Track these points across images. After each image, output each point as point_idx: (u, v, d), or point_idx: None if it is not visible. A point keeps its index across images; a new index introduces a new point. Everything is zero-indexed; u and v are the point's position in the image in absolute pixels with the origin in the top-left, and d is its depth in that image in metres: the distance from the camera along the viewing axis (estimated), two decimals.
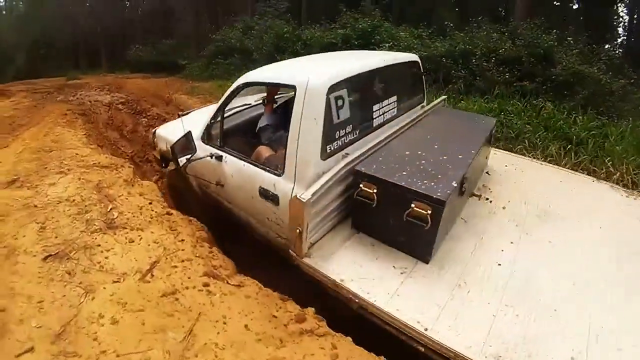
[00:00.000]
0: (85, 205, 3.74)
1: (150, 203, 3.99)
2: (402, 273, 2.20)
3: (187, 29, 23.03)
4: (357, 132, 2.80)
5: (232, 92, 3.10)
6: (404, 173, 2.31)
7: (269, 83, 3.31)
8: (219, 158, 3.13)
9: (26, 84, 21.47)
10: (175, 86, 13.19)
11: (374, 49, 10.14)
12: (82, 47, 27.63)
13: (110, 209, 3.74)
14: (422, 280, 2.15)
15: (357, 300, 2.06)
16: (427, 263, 2.26)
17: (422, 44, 10.65)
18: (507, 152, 4.38)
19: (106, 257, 2.99)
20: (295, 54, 12.54)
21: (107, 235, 3.31)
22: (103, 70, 23.73)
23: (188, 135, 3.12)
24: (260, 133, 3.37)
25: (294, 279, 2.55)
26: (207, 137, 3.33)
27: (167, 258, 3.07)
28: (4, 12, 37.27)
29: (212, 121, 3.26)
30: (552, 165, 3.99)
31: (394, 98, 3.27)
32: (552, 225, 2.68)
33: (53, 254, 2.97)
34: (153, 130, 5.04)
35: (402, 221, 2.19)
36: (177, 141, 3.09)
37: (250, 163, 2.88)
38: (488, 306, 1.97)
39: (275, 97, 3.82)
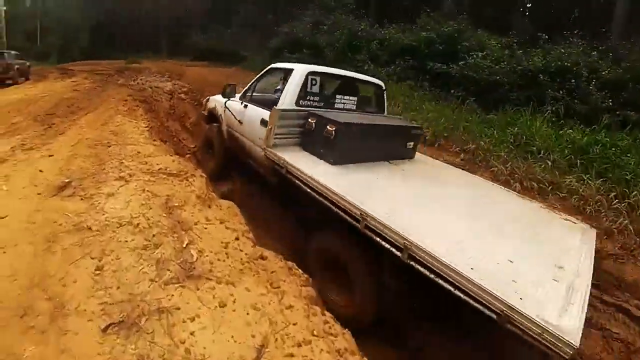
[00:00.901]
0: (154, 235, 2.74)
1: (236, 239, 2.97)
2: (315, 164, 3.64)
3: (249, 19, 22.42)
4: (322, 104, 4.48)
5: (263, 73, 5.01)
6: (331, 116, 3.85)
7: (282, 68, 4.83)
8: (245, 106, 4.78)
9: (89, 65, 21.79)
10: (238, 77, 12.41)
11: (460, 56, 9.29)
12: (144, 32, 27.89)
13: (187, 244, 2.72)
14: (331, 169, 3.58)
15: (286, 163, 3.58)
16: (334, 165, 3.66)
17: (512, 55, 9.23)
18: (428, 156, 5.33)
19: (192, 334, 2.00)
20: (371, 54, 11.39)
21: (188, 290, 2.30)
22: (163, 56, 23.70)
23: (233, 86, 5.23)
24: (271, 97, 4.92)
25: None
26: (242, 96, 5.00)
27: (276, 339, 2.10)
28: None
29: (247, 88, 4.99)
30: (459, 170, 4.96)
31: (355, 98, 4.91)
32: (420, 179, 4.12)
33: (116, 322, 1.98)
34: (207, 97, 6.36)
35: (322, 138, 3.77)
36: (227, 86, 5.21)
37: (259, 108, 4.49)
38: (356, 182, 3.42)
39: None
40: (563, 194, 4.96)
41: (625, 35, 9.62)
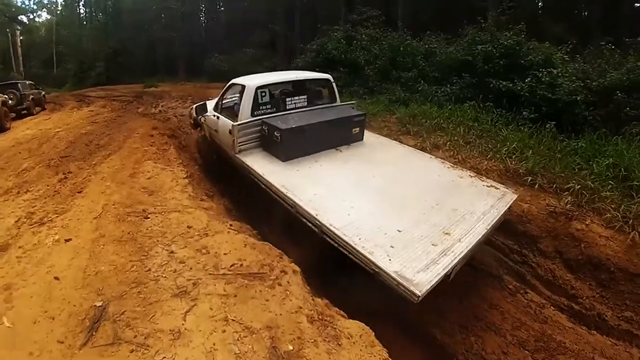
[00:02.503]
0: None
1: None
2: (270, 163, 4.48)
3: (267, 39, 21.44)
4: (274, 109, 5.23)
5: (227, 87, 5.78)
6: (279, 122, 4.68)
7: (238, 84, 5.49)
8: (217, 117, 5.56)
9: (105, 90, 20.89)
10: None
11: (525, 72, 7.99)
12: (159, 55, 27.15)
13: None
14: (278, 164, 4.45)
15: (251, 170, 4.42)
16: (283, 162, 4.49)
17: (582, 71, 7.88)
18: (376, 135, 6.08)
19: None
20: (420, 71, 10.08)
21: None
22: (180, 79, 22.77)
23: (204, 105, 6.09)
24: (235, 108, 5.39)
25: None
26: (214, 108, 5.82)
27: None
28: (85, 22, 38.74)
29: (217, 102, 5.86)
30: (403, 145, 5.71)
31: (305, 96, 5.55)
32: (357, 163, 4.66)
33: None
34: (191, 107, 7.73)
35: (273, 141, 4.62)
36: (198, 105, 6.15)
37: (228, 119, 5.20)
38: (297, 174, 4.20)
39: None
40: None
41: None
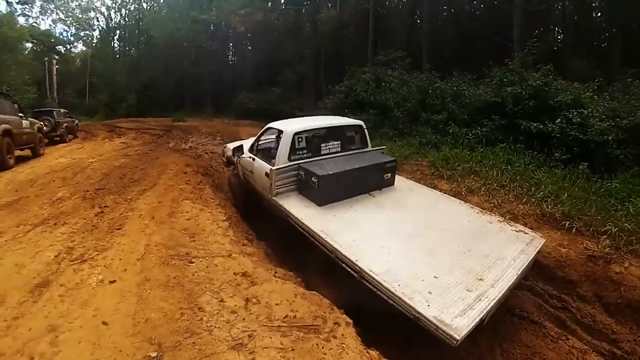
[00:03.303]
0: None
1: None
2: (307, 207, 4.61)
3: (296, 78, 22.10)
4: (310, 155, 5.35)
5: (263, 131, 6.00)
6: (315, 167, 4.84)
7: (275, 128, 5.67)
8: (253, 159, 5.71)
9: (135, 122, 21.57)
10: None
11: (555, 113, 8.03)
12: (187, 90, 28.19)
13: None
14: (315, 209, 4.59)
15: (288, 213, 4.54)
16: (320, 206, 4.61)
17: (611, 109, 7.71)
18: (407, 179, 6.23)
19: None
20: (450, 113, 10.07)
21: None
22: (208, 115, 23.42)
23: (240, 146, 6.12)
24: (272, 151, 5.60)
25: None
26: (249, 149, 5.98)
27: None
28: (118, 56, 40.96)
29: (253, 143, 6.02)
30: (432, 190, 5.85)
31: (338, 142, 5.72)
32: (390, 208, 4.79)
33: None
34: (224, 145, 8.31)
35: (310, 186, 4.76)
36: (235, 147, 6.15)
37: (264, 162, 5.40)
38: (333, 219, 4.32)
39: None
40: None
41: None
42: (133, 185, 6.61)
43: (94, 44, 43.20)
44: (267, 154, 5.63)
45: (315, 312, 2.80)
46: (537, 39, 10.79)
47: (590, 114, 7.45)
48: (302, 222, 4.21)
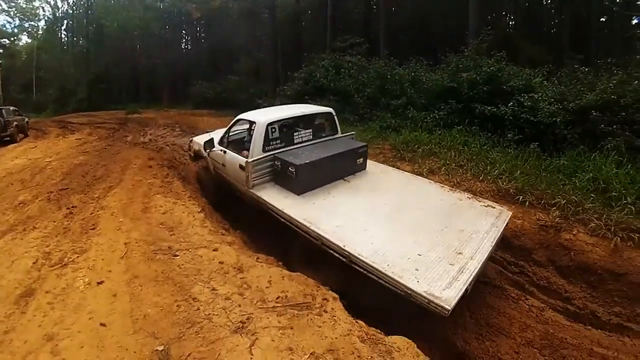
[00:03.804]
0: None
1: None
2: (286, 197, 4.63)
3: (254, 65, 21.68)
4: (284, 144, 5.35)
5: (234, 122, 5.84)
6: (291, 157, 4.84)
7: (247, 120, 5.69)
8: (224, 152, 5.61)
9: (87, 116, 20.35)
10: None
11: (508, 97, 8.42)
12: (141, 81, 26.84)
13: None
14: (294, 198, 4.61)
15: (268, 205, 4.54)
16: (298, 195, 4.66)
17: (559, 93, 8.34)
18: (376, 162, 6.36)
19: None
20: (409, 98, 10.38)
21: None
22: (164, 105, 22.51)
23: (211, 140, 5.79)
24: (245, 143, 5.58)
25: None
26: (219, 142, 5.80)
27: None
28: (65, 47, 38.03)
29: (223, 135, 5.85)
30: (403, 172, 6.09)
31: (310, 130, 5.76)
32: (366, 192, 4.93)
33: None
34: (190, 138, 8.01)
35: (287, 176, 4.77)
36: (207, 141, 5.81)
37: (237, 154, 5.33)
38: (314, 206, 4.39)
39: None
40: None
41: None
42: (97, 183, 6.39)
43: (39, 35, 39.88)
44: (240, 145, 5.59)
45: (304, 291, 2.98)
46: (491, 26, 11.22)
47: (540, 98, 7.93)
48: (283, 213, 4.26)
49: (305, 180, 4.71)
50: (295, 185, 4.71)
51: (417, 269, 3.20)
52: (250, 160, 4.85)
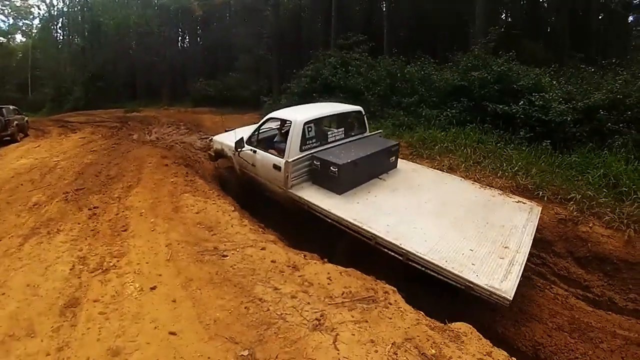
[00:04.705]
0: None
1: None
2: (328, 197, 4.51)
3: (254, 63, 21.29)
4: (319, 143, 5.24)
5: (264, 121, 5.70)
6: (331, 157, 4.74)
7: (279, 118, 5.65)
8: (254, 151, 5.41)
9: (85, 115, 19.81)
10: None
11: (519, 96, 8.51)
12: (140, 79, 26.20)
13: None
14: (336, 198, 4.51)
15: (312, 205, 4.43)
16: (340, 195, 4.57)
17: (567, 93, 8.44)
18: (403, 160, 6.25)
19: None
20: (421, 96, 10.42)
21: None
22: (163, 103, 22.01)
23: (241, 139, 5.48)
24: (276, 143, 5.53)
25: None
26: (248, 141, 5.53)
27: None
28: (60, 46, 36.98)
29: (252, 134, 5.57)
30: (433, 170, 6.12)
31: (343, 129, 5.69)
32: (404, 190, 4.90)
33: None
34: (210, 137, 7.73)
35: (328, 176, 4.64)
36: (237, 141, 5.47)
37: (270, 154, 5.20)
38: (359, 206, 4.34)
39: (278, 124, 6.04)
40: None
41: None
42: (114, 183, 6.19)
43: (34, 34, 38.74)
44: (270, 145, 5.49)
45: (364, 285, 2.98)
46: (496, 25, 11.16)
47: (551, 98, 8.02)
48: (330, 213, 4.20)
49: (347, 179, 4.66)
50: (336, 184, 4.63)
51: (473, 264, 3.32)
52: (290, 160, 4.73)
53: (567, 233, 4.97)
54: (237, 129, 7.07)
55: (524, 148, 7.44)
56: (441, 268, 3.25)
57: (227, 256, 3.27)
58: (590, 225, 5.00)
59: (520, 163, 6.59)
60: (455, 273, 3.18)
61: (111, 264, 3.30)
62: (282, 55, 19.43)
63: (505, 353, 2.51)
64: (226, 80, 20.13)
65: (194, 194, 5.22)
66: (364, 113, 6.19)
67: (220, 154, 6.68)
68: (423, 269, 3.35)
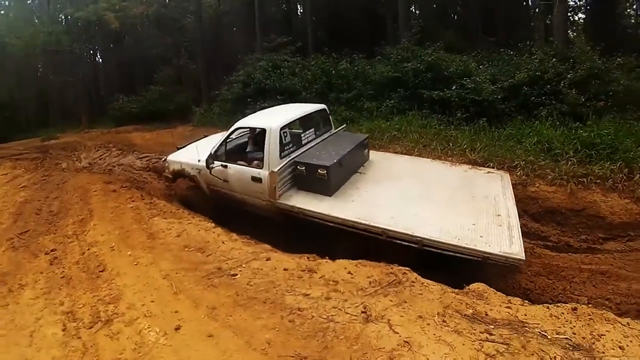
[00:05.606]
0: None
1: None
2: (321, 200, 4.36)
3: (174, 74, 19.91)
4: (295, 147, 5.02)
5: (231, 132, 5.23)
6: (315, 159, 4.58)
7: (251, 127, 5.44)
8: (225, 166, 5.02)
9: (0, 149, 16.97)
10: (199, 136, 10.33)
11: (448, 82, 9.14)
12: (51, 103, 22.97)
13: None
14: (328, 200, 4.36)
15: (308, 212, 4.24)
16: (330, 196, 4.42)
17: (491, 74, 9.31)
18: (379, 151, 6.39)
19: None
20: (359, 90, 10.69)
21: None
22: (83, 126, 19.62)
23: (211, 155, 5.06)
24: (249, 153, 5.41)
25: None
26: (214, 156, 5.07)
27: None
28: None
29: (217, 148, 5.13)
30: (403, 156, 6.30)
31: (313, 129, 5.55)
32: (386, 180, 4.87)
33: None
34: (164, 157, 6.66)
35: (315, 179, 4.43)
36: (207, 158, 5.04)
37: (244, 166, 4.93)
38: (355, 204, 4.26)
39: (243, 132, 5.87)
40: (597, 182, 5.49)
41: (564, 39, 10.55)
42: (60, 219, 5.44)
43: None
44: (241, 156, 5.22)
45: (383, 272, 3.05)
46: (414, 19, 11.71)
47: (481, 80, 8.79)
48: (330, 216, 4.09)
49: (335, 180, 4.58)
50: (326, 187, 4.49)
51: (481, 236, 3.47)
52: (276, 169, 4.48)
53: (519, 195, 5.38)
54: (189, 145, 6.62)
55: (463, 128, 8.03)
56: (458, 246, 3.36)
57: (237, 275, 3.04)
58: (537, 185, 5.62)
59: (464, 141, 7.09)
60: (472, 248, 3.32)
61: (109, 312, 2.83)
62: (209, 64, 18.40)
63: (519, 299, 2.76)
64: (148, 95, 18.55)
65: (163, 216, 4.76)
66: (327, 110, 6.11)
67: (179, 174, 6.06)
68: (439, 251, 3.43)
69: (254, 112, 11.42)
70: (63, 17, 21.25)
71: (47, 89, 22.45)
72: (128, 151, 11.59)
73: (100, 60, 25.20)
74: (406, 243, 3.58)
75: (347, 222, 3.95)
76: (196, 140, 6.79)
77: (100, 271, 3.59)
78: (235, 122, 5.50)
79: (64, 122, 21.25)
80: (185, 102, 17.50)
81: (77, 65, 21.32)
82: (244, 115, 11.97)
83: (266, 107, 10.36)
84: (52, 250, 4.28)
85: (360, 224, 3.86)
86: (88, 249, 4.17)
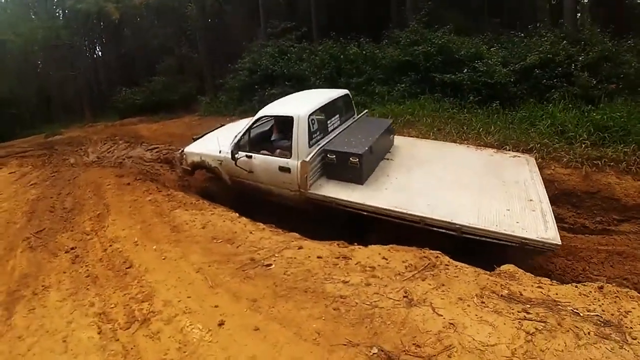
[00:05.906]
0: None
1: None
2: (353, 189, 4.22)
3: (176, 63, 19.51)
4: (322, 134, 4.86)
5: (255, 121, 5.07)
6: (345, 147, 4.43)
7: (276, 115, 5.15)
8: (249, 157, 4.85)
9: (4, 148, 16.83)
10: (207, 126, 10.07)
11: (460, 64, 8.97)
12: (53, 98, 22.71)
13: None
14: (361, 188, 4.23)
15: (343, 202, 4.08)
16: (362, 185, 4.30)
17: (502, 57, 9.11)
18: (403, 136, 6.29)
19: None
20: (369, 75, 10.44)
21: None
22: (87, 120, 19.40)
23: (236, 146, 4.93)
24: (274, 142, 5.19)
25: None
26: (238, 147, 4.92)
27: None
28: None
29: (242, 137, 4.96)
30: (428, 140, 6.20)
31: (338, 115, 5.38)
32: (416, 166, 4.73)
33: None
34: (181, 149, 6.37)
35: (347, 167, 4.29)
36: (232, 149, 4.88)
37: (269, 155, 4.77)
38: (388, 191, 4.16)
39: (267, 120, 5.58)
40: (611, 164, 5.48)
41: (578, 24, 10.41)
42: (76, 215, 5.32)
43: None
44: (267, 146, 5.07)
45: (417, 256, 3.05)
46: (429, 0, 11.36)
47: (493, 63, 8.62)
48: (365, 205, 3.98)
49: (367, 167, 4.45)
50: (357, 175, 4.35)
51: (517, 222, 3.44)
52: (307, 159, 4.33)
53: None
54: (205, 135, 6.47)
55: (476, 111, 7.92)
56: (498, 232, 3.33)
57: (271, 265, 2.96)
58: (552, 168, 5.62)
59: (478, 124, 7.01)
60: (510, 234, 3.28)
61: (145, 311, 2.73)
62: (210, 52, 18.00)
63: (548, 279, 2.79)
64: (151, 86, 18.29)
65: (184, 208, 4.66)
66: (350, 96, 5.93)
67: (198, 166, 5.87)
68: (478, 238, 3.39)
69: (262, 99, 11.35)
70: (61, 11, 20.82)
71: (48, 85, 22.19)
72: (136, 143, 11.43)
73: (100, 53, 24.80)
74: (444, 230, 3.52)
75: (383, 211, 3.85)
76: (212, 131, 6.67)
77: (127, 268, 3.48)
78: (256, 110, 5.33)
79: (67, 117, 21.07)
80: (189, 91, 17.28)
81: (77, 59, 21.04)
82: (252, 103, 11.84)
83: (275, 94, 10.34)
84: (72, 249, 4.16)
85: (397, 212, 3.77)
86: (110, 246, 4.06)
